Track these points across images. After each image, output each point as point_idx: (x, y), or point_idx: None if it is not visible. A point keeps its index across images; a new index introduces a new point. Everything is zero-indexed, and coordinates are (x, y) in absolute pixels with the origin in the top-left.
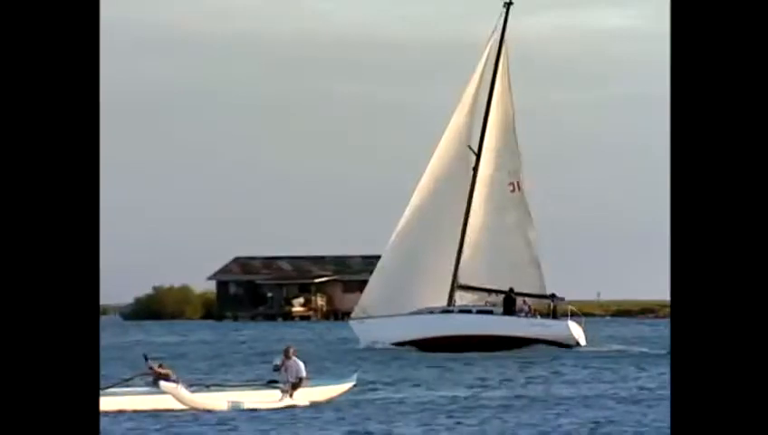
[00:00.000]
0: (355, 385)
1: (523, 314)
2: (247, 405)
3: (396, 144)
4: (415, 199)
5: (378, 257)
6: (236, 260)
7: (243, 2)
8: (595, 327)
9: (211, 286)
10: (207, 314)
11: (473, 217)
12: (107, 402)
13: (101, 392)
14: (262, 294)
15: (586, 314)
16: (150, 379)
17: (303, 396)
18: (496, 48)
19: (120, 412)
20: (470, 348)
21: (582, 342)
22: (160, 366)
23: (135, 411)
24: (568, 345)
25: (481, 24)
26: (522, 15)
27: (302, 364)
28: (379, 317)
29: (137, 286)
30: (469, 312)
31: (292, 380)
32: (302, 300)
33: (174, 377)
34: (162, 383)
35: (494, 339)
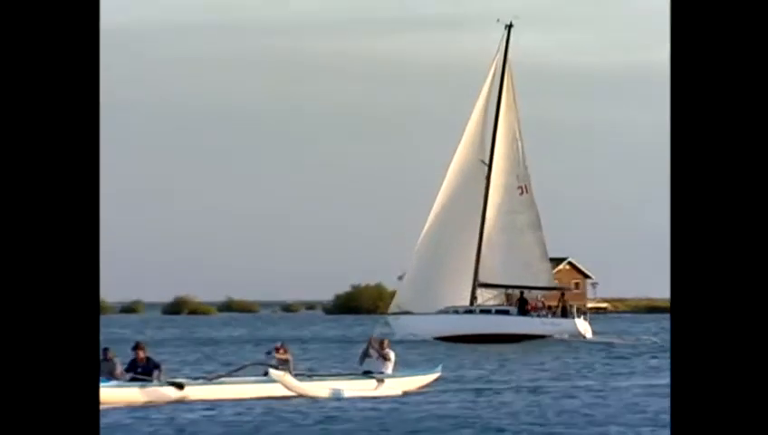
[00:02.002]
0: (440, 376)
1: (536, 314)
2: (346, 393)
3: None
4: (436, 207)
5: (553, 260)
6: None
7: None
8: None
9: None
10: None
11: (488, 220)
12: (221, 391)
13: (217, 381)
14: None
15: None
16: (263, 369)
17: (396, 386)
18: (501, 67)
19: (236, 400)
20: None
21: (589, 336)
22: (285, 352)
23: (248, 399)
24: (575, 340)
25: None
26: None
27: (392, 353)
28: (412, 315)
29: (337, 285)
30: (489, 312)
31: (385, 369)
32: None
33: (292, 367)
34: (272, 371)
35: (511, 336)
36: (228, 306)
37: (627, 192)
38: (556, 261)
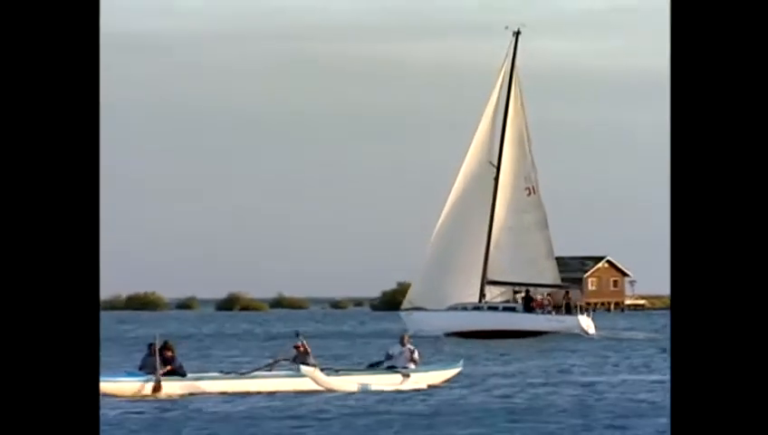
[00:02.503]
0: (460, 371)
1: (540, 311)
2: (373, 387)
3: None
4: (447, 207)
5: (592, 258)
6: None
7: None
8: None
9: None
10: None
11: (496, 220)
12: (254, 384)
13: (249, 376)
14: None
15: None
16: (292, 357)
17: (421, 380)
18: (509, 72)
19: (268, 394)
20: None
21: (592, 331)
22: (305, 348)
23: (278, 393)
24: (579, 335)
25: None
26: None
27: (416, 350)
28: (423, 311)
29: (384, 282)
30: (496, 309)
31: (408, 364)
32: (523, 294)
33: (312, 360)
34: (302, 368)
35: (517, 333)
36: (279, 303)
37: (663, 192)
38: (595, 260)
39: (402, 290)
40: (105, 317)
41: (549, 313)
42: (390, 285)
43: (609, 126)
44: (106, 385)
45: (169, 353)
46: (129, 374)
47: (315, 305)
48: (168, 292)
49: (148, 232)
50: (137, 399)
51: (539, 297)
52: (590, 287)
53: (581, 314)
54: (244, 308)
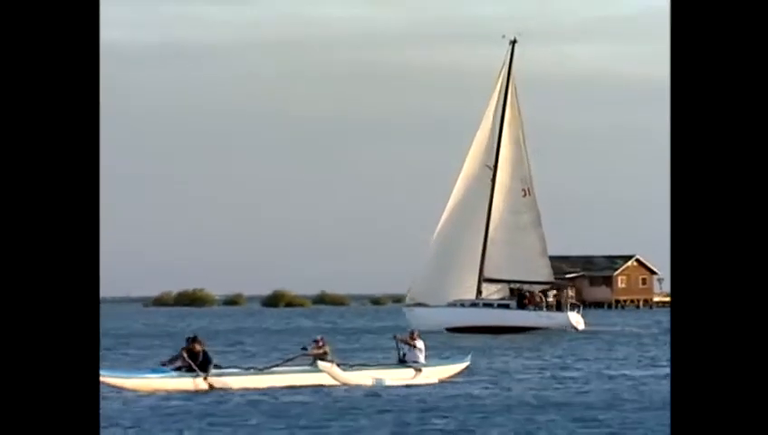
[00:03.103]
0: (468, 366)
1: (532, 308)
2: (387, 382)
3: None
4: (447, 208)
5: (621, 257)
6: None
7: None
8: None
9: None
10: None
11: (493, 220)
12: (275, 379)
13: (269, 371)
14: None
15: None
16: (311, 360)
17: (432, 374)
18: (506, 79)
19: (288, 388)
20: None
21: (581, 327)
22: (319, 347)
23: (299, 387)
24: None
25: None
26: None
27: (421, 342)
28: (424, 307)
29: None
30: (491, 306)
31: (419, 359)
32: (554, 292)
33: (330, 356)
34: (320, 363)
35: (511, 328)
36: (321, 299)
37: None
38: (624, 258)
39: None
40: (155, 313)
41: (540, 309)
42: None
43: (630, 127)
44: (139, 382)
45: (198, 347)
46: (154, 371)
47: (355, 302)
48: (216, 289)
49: (198, 232)
50: (171, 394)
51: (536, 297)
52: (619, 285)
53: (571, 310)
54: (289, 304)
